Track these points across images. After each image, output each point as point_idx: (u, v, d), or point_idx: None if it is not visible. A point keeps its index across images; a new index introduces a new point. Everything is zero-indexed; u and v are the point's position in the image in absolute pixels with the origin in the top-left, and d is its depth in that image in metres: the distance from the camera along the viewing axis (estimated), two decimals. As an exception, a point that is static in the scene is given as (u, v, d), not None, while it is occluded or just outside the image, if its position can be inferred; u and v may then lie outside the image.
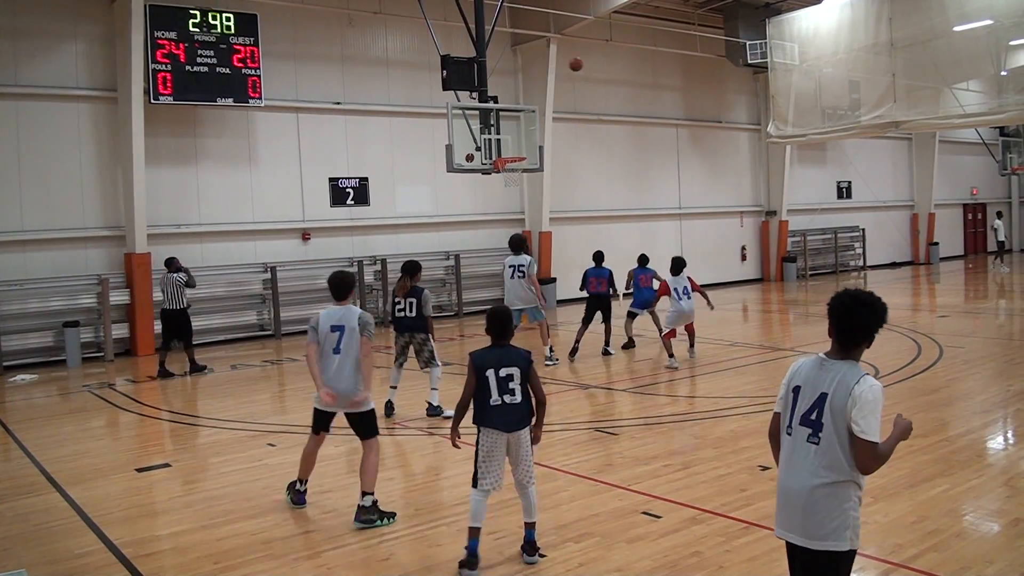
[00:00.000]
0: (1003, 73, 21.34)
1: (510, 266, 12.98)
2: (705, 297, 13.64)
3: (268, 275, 18.60)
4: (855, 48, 21.97)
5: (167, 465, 8.57)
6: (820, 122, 23.68)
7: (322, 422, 6.87)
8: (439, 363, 10.17)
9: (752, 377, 12.25)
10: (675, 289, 13.13)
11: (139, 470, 8.41)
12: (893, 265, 33.05)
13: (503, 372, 5.52)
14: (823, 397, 3.54)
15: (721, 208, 27.44)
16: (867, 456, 3.46)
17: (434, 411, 10.13)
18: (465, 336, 17.70)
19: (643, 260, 15.10)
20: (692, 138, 26.59)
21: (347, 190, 19.86)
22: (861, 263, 31.75)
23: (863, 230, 31.70)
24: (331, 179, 19.70)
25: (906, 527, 6.14)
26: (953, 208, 36.77)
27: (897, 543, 5.84)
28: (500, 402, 5.52)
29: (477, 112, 14.93)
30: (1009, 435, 9.12)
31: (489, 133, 14.94)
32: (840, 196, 31.41)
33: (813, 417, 3.57)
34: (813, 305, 21.85)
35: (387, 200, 20.45)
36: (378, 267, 19.81)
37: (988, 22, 19.72)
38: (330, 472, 8.01)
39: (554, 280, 22.29)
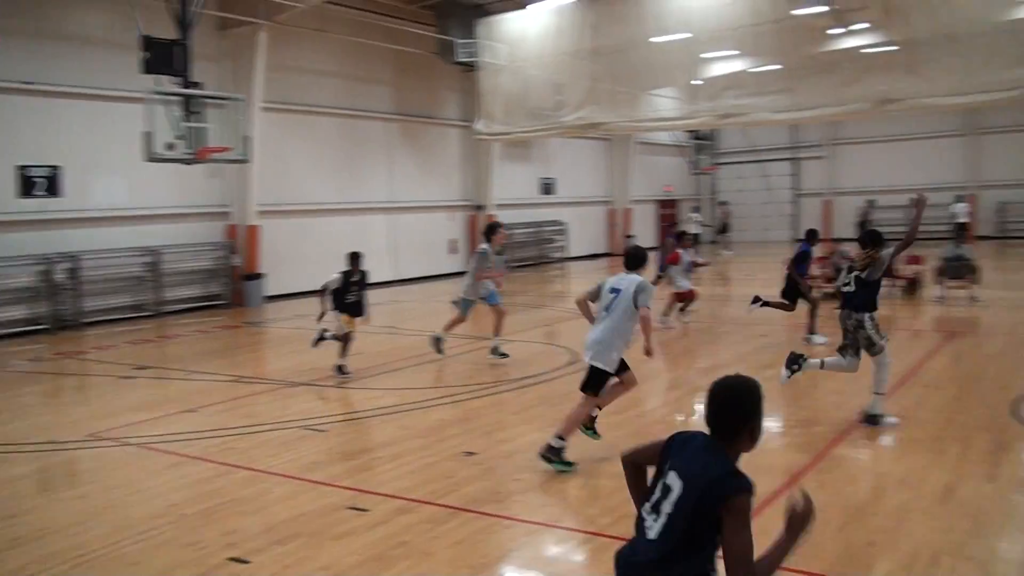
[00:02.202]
0: (696, 82, 23.19)
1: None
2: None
3: (-61, 273, 16.64)
4: (560, 52, 23.01)
5: None
6: (526, 121, 24.63)
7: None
8: (882, 351, 8.47)
9: (460, 367, 12.57)
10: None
11: None
12: (593, 257, 35.10)
13: (670, 478, 3.22)
14: None
15: (431, 202, 27.86)
16: None
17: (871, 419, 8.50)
18: (167, 338, 16.76)
19: None
20: (403, 133, 26.78)
21: (37, 180, 18.15)
22: (563, 255, 33.42)
23: (565, 224, 33.41)
24: (19, 167, 17.89)
25: (603, 498, 6.58)
26: (648, 204, 39.67)
27: (595, 513, 6.24)
28: (639, 521, 3.30)
29: (180, 99, 14.23)
30: (693, 409, 9.95)
31: (192, 121, 14.30)
32: (544, 192, 32.90)
33: None
34: (519, 296, 22.70)
35: (81, 191, 18.86)
36: (68, 264, 18.22)
37: (683, 35, 21.32)
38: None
39: (261, 276, 21.61)
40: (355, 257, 12.09)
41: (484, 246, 12.65)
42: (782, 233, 40.47)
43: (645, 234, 38.70)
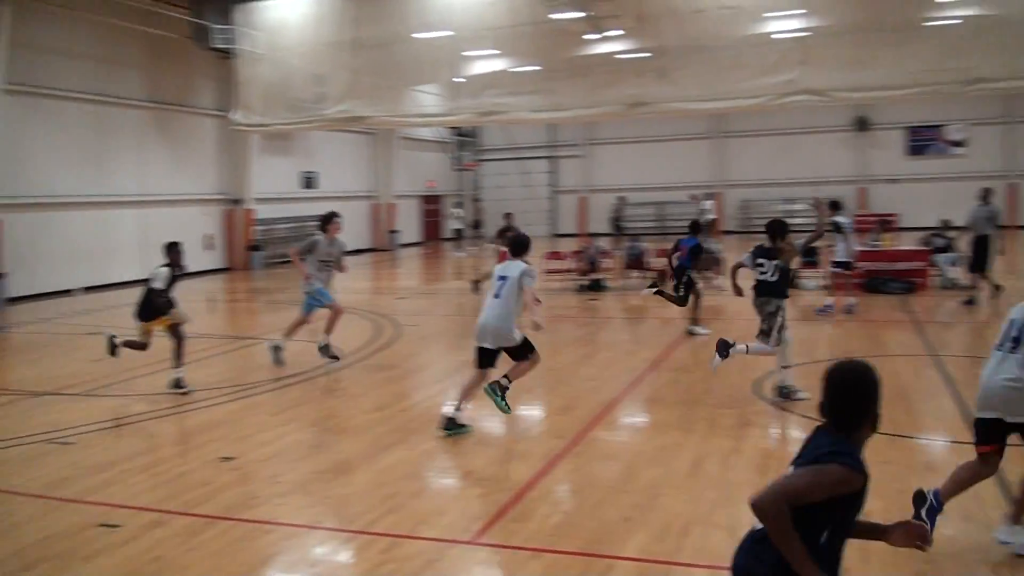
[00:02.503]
0: (458, 80, 23.45)
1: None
2: None
3: None
4: (321, 43, 22.54)
5: None
6: (286, 113, 23.97)
7: (483, 359, 8.21)
8: (773, 341, 9.13)
9: (217, 368, 12.06)
10: None
11: None
12: (357, 252, 34.78)
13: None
14: None
15: (186, 196, 26.53)
16: None
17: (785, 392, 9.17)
18: None
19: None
20: (156, 122, 25.34)
21: None
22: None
23: (330, 219, 32.86)
24: None
25: (365, 495, 6.56)
26: (412, 199, 39.77)
27: (357, 512, 6.20)
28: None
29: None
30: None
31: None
32: (305, 186, 32.20)
33: (1017, 336, 5.03)
34: (280, 293, 22.19)
35: None
36: None
37: (445, 33, 21.49)
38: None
39: (2, 276, 19.76)
40: (174, 248, 10.34)
41: (317, 236, 11.71)
42: (541, 228, 41.83)
43: (409, 230, 38.84)
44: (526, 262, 8.28)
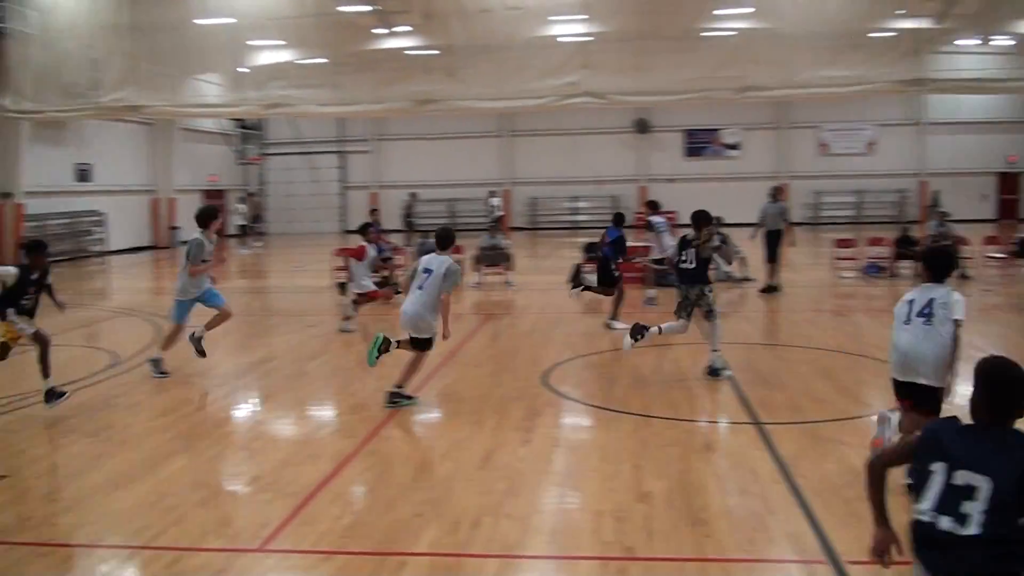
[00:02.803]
0: (242, 70, 22.69)
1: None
2: None
3: None
4: (97, 25, 21.27)
5: None
6: (60, 99, 22.47)
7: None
8: (716, 316, 9.92)
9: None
10: None
11: None
12: (136, 250, 33.04)
13: (960, 477, 3.14)
14: (932, 301, 5.87)
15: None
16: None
17: (714, 372, 9.84)
18: None
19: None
20: (-92, 107, 23.05)
21: None
22: (103, 248, 31.03)
23: (104, 215, 31.03)
24: None
25: (147, 508, 6.24)
26: (194, 194, 38.09)
27: (140, 526, 5.89)
28: (938, 526, 3.14)
29: None
30: (246, 403, 9.84)
31: None
32: (80, 179, 30.21)
33: (927, 312, 5.85)
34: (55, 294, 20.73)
35: None
36: None
37: (229, 20, 20.71)
38: None
39: None
40: (38, 248, 9.23)
41: (197, 235, 10.55)
42: (331, 224, 41.31)
43: (191, 225, 37.11)
44: (452, 256, 8.75)
